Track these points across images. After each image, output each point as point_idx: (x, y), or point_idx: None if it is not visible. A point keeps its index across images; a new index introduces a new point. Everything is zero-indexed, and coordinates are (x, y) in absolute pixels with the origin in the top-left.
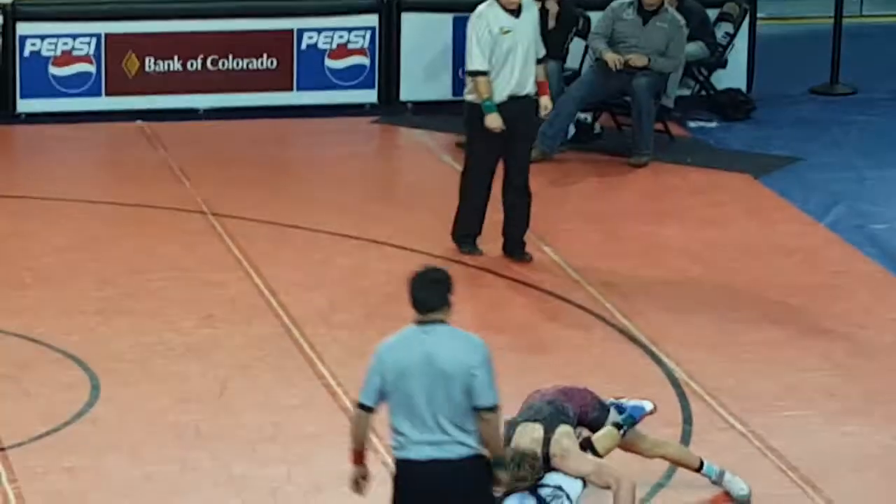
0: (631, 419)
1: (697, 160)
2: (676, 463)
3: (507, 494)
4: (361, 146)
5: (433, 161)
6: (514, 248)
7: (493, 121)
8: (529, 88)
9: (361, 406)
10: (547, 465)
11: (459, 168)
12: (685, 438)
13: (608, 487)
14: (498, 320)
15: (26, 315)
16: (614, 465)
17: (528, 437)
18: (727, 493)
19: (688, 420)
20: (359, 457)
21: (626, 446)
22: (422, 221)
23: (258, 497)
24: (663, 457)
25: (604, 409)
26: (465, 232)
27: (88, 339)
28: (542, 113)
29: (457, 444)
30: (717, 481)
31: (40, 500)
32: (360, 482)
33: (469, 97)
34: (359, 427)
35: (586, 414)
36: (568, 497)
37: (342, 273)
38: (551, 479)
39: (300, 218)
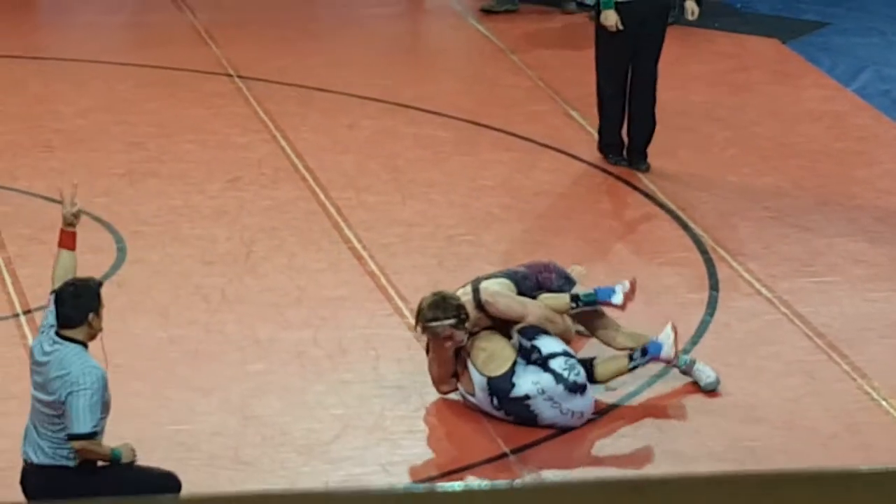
0: (592, 297)
1: (725, 25)
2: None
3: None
4: (389, 8)
5: (461, 24)
6: (632, 155)
7: (609, 18)
8: None
9: None
10: (487, 315)
11: (485, 32)
12: (711, 304)
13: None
14: (519, 182)
15: (53, 177)
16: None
17: (446, 290)
18: (695, 384)
19: (714, 286)
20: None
21: (592, 329)
22: (448, 85)
23: (283, 360)
24: (631, 348)
25: (570, 282)
26: (608, 142)
27: (115, 201)
28: (690, 17)
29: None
30: (687, 371)
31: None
32: None
33: None
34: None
35: (549, 280)
36: (579, 362)
37: (369, 136)
38: (547, 345)
39: (327, 81)
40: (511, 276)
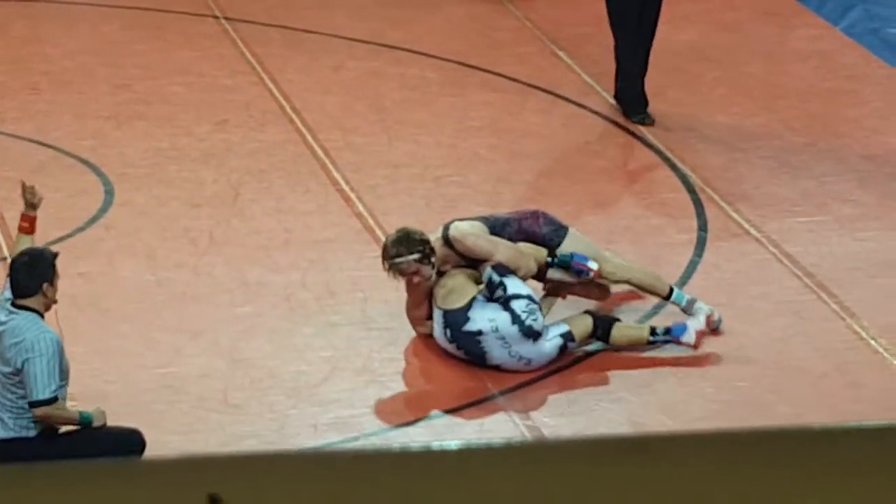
0: (567, 258)
1: None
2: (642, 289)
3: (450, 312)
4: None
5: None
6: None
7: None
8: None
9: None
10: (455, 253)
11: None
12: (700, 244)
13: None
14: (507, 123)
15: (40, 119)
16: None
17: (410, 227)
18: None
19: (703, 227)
20: None
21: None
22: (435, 26)
23: (271, 303)
24: (628, 281)
25: (561, 230)
26: (631, 98)
27: (102, 144)
28: None
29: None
30: (687, 309)
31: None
32: None
33: None
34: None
35: (536, 226)
36: (539, 308)
37: (356, 78)
38: (515, 285)
39: (313, 22)
40: (486, 220)
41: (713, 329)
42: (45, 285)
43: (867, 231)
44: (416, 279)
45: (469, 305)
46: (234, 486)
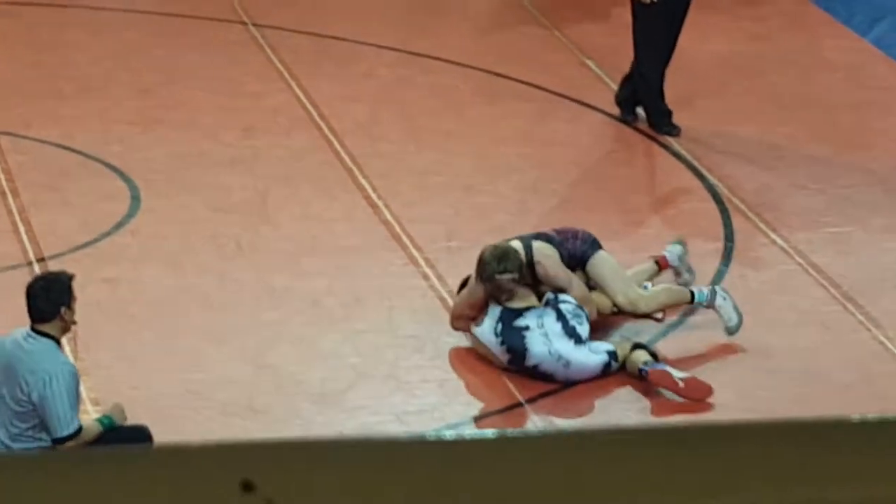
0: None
1: None
2: (672, 306)
3: (508, 309)
4: None
5: None
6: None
7: None
8: None
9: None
10: (532, 275)
11: None
12: (727, 255)
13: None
14: (536, 132)
15: (65, 125)
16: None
17: (505, 243)
18: (713, 333)
19: (729, 237)
20: None
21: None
22: (464, 34)
23: (298, 309)
24: (659, 308)
25: (594, 247)
26: (661, 111)
27: (129, 149)
28: None
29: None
30: (711, 304)
31: (79, 310)
32: None
33: None
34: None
35: (575, 247)
36: (587, 319)
37: (384, 86)
38: (567, 299)
39: (342, 29)
40: (555, 243)
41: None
42: (62, 309)
43: (894, 242)
44: (504, 296)
45: (527, 308)
46: (267, 473)
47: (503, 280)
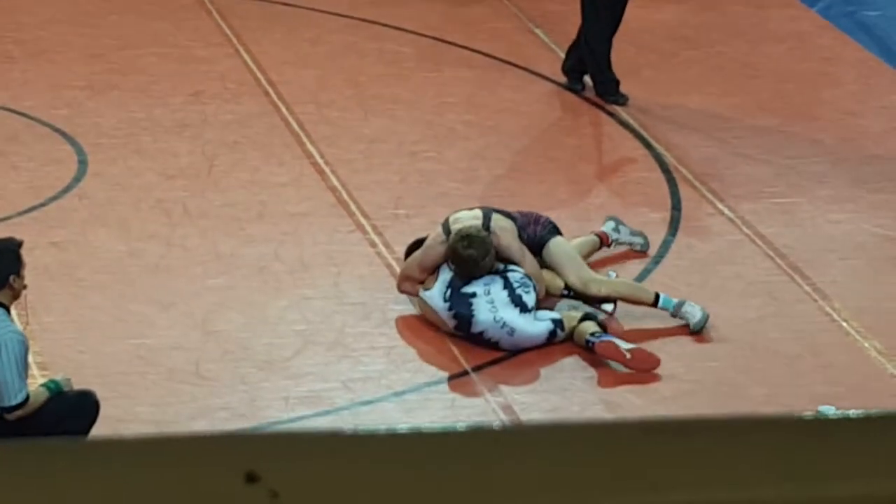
0: (594, 316)
1: None
2: (628, 301)
3: (466, 280)
4: None
5: None
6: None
7: None
8: None
9: None
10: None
11: None
12: (674, 224)
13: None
14: (482, 100)
15: (14, 88)
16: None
17: (467, 218)
18: (686, 326)
19: (676, 206)
20: None
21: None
22: (412, 1)
23: (244, 275)
24: (613, 295)
25: (554, 231)
26: (609, 81)
27: (76, 113)
28: None
29: None
30: (675, 313)
31: (27, 274)
32: None
33: None
34: None
35: (535, 232)
36: (534, 289)
37: (332, 52)
38: (517, 268)
39: None
40: (518, 224)
41: (696, 332)
42: (11, 277)
43: (841, 213)
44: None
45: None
46: (271, 464)
47: (487, 264)
